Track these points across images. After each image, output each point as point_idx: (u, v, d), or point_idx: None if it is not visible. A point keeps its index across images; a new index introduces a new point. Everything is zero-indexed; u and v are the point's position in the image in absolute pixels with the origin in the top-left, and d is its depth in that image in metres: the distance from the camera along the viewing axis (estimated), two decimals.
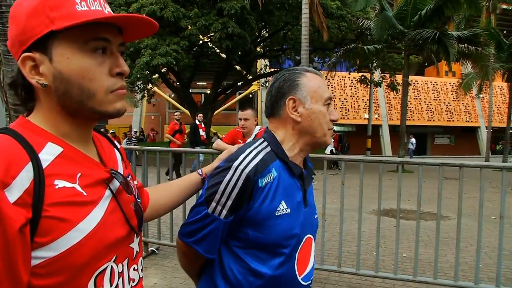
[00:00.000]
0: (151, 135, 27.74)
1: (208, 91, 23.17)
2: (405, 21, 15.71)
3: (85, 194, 0.81)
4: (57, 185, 0.78)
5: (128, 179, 0.97)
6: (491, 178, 9.35)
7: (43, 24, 0.80)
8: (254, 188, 1.18)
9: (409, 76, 31.88)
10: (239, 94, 33.83)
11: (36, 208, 0.73)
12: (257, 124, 4.58)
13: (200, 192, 1.28)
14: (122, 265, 0.90)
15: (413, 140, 25.07)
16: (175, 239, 4.47)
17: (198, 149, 9.33)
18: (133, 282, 0.94)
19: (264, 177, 1.20)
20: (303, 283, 1.29)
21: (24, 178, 0.73)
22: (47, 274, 0.76)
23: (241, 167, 1.19)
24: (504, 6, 23.72)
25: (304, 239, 1.29)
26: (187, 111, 22.27)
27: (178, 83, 20.62)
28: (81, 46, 0.82)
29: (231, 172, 1.19)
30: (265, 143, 1.29)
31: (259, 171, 1.19)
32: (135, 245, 0.96)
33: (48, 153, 0.80)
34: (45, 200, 0.74)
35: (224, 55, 18.75)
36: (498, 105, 34.82)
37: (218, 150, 4.29)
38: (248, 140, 4.45)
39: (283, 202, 1.22)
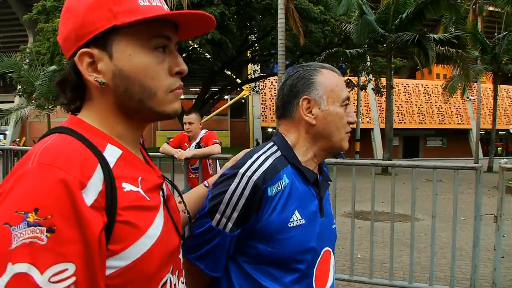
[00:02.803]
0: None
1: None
2: (386, 25, 15.86)
3: (148, 199, 0.77)
4: (125, 188, 0.73)
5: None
6: (471, 180, 9.43)
7: (104, 18, 0.75)
8: (263, 197, 1.06)
9: (401, 79, 31.96)
10: (231, 99, 33.96)
11: (110, 212, 0.68)
12: (202, 128, 4.63)
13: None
14: (175, 277, 0.85)
15: None
16: None
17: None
18: None
19: (274, 185, 1.08)
20: None
21: (97, 180, 0.68)
22: (117, 286, 0.70)
23: (248, 174, 1.06)
24: (491, 8, 23.80)
25: (321, 253, 1.17)
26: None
27: None
28: (143, 43, 0.78)
29: (236, 180, 1.06)
30: (275, 147, 1.17)
31: (268, 179, 1.07)
32: (181, 256, 0.91)
33: (110, 155, 0.75)
34: (118, 203, 0.70)
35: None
36: (490, 107, 34.88)
37: (165, 154, 4.32)
38: (193, 144, 4.51)
39: (296, 212, 1.10)
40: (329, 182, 1.29)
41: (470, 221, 4.70)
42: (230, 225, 1.06)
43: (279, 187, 1.08)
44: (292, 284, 1.09)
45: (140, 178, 0.78)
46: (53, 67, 13.82)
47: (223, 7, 14.36)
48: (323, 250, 1.17)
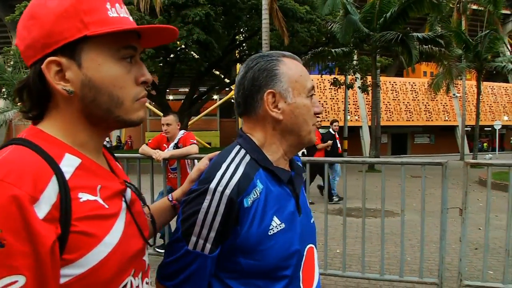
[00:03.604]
0: (129, 142, 27.78)
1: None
2: (371, 24, 16.05)
3: (106, 206, 0.79)
4: (81, 198, 0.75)
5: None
6: (454, 175, 9.68)
7: (75, 28, 0.77)
8: (239, 211, 0.98)
9: (389, 77, 32.20)
10: (220, 99, 33.98)
11: (64, 223, 0.70)
12: (180, 129, 4.73)
13: (176, 223, 1.05)
14: (138, 279, 0.87)
15: None
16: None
17: None
18: None
19: (250, 195, 1.00)
20: None
21: (51, 192, 0.69)
22: None
23: (220, 188, 0.98)
24: (475, 7, 24.15)
25: (305, 253, 1.12)
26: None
27: (152, 90, 20.73)
28: (113, 53, 0.81)
29: (208, 197, 0.98)
30: (243, 151, 1.08)
31: (242, 189, 0.99)
32: (146, 258, 0.93)
33: (68, 165, 0.76)
34: (72, 214, 0.71)
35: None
36: (475, 103, 35.36)
37: (144, 155, 4.41)
38: (171, 144, 4.60)
39: (275, 218, 1.03)
40: (303, 175, 1.23)
41: (450, 215, 4.85)
42: (208, 246, 0.98)
43: (254, 195, 1.01)
44: None
45: (99, 187, 0.79)
46: None
47: (209, 7, 14.43)
48: (306, 249, 1.13)
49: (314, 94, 1.14)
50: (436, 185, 3.61)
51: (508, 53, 30.18)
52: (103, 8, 0.79)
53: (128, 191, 0.89)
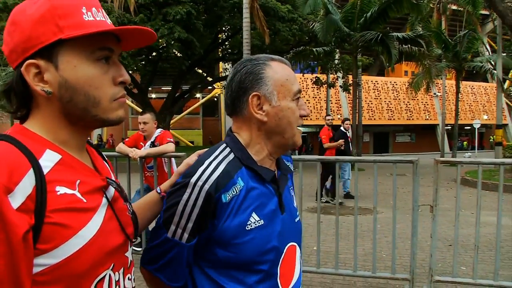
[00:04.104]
0: (110, 141, 27.49)
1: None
2: (352, 23, 16.21)
3: (85, 201, 0.82)
4: (58, 191, 0.78)
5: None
6: (432, 173, 9.89)
7: (50, 32, 0.81)
8: (217, 205, 1.04)
9: (371, 76, 32.52)
10: (203, 97, 33.90)
11: (39, 214, 0.73)
12: (157, 127, 4.72)
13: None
14: (119, 274, 0.90)
15: None
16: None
17: None
18: None
19: (228, 191, 1.05)
20: None
21: (27, 184, 0.73)
22: (48, 282, 0.75)
23: (200, 183, 1.04)
24: (454, 7, 24.56)
25: (285, 250, 1.15)
26: None
27: (134, 88, 20.58)
28: (88, 55, 0.85)
29: (188, 190, 1.04)
30: (227, 150, 1.13)
31: (221, 186, 1.05)
32: (129, 254, 0.96)
33: (48, 160, 0.80)
34: (47, 206, 0.75)
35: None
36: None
37: (120, 153, 4.39)
38: (148, 143, 4.60)
39: (254, 214, 1.08)
40: (289, 175, 1.27)
41: (426, 213, 4.97)
42: (186, 235, 1.05)
43: (233, 192, 1.06)
44: (257, 284, 1.09)
45: (78, 181, 0.83)
46: None
47: (190, 5, 14.39)
48: (287, 246, 1.16)
49: (300, 97, 1.18)
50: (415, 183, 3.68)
51: (487, 53, 30.77)
52: (78, 13, 0.84)
53: (111, 188, 0.93)
